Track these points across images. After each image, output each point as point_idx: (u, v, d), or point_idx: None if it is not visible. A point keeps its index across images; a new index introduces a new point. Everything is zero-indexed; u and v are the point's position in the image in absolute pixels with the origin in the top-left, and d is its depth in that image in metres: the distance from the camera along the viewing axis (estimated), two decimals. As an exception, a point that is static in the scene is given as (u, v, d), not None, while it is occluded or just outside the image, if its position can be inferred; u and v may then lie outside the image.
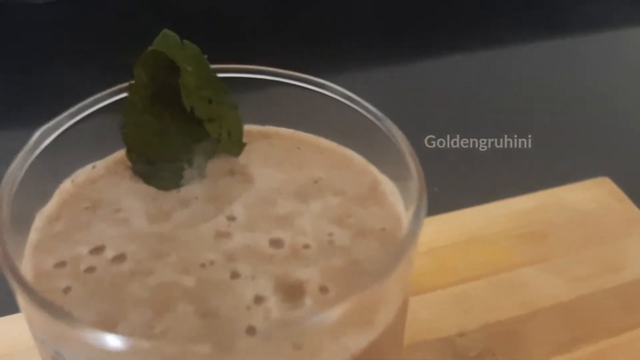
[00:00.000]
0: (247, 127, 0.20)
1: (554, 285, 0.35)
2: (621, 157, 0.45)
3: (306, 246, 0.16)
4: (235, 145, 0.19)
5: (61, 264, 0.16)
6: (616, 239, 0.37)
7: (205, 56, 0.18)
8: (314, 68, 0.20)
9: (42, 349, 0.15)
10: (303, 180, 0.18)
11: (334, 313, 0.13)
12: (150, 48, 0.18)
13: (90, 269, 0.16)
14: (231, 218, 0.17)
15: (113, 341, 0.13)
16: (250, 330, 0.14)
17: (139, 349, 0.13)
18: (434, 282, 0.35)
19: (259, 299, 0.15)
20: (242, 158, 0.19)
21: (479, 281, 0.35)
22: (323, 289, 0.15)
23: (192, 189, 0.18)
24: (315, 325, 0.13)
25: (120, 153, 0.19)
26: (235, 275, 0.16)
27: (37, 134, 0.17)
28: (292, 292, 0.15)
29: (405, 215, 0.17)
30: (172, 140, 0.18)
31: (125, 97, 0.18)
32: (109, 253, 0.16)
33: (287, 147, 0.20)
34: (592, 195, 0.40)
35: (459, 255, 0.36)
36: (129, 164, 0.19)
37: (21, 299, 0.14)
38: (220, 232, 0.17)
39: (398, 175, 0.18)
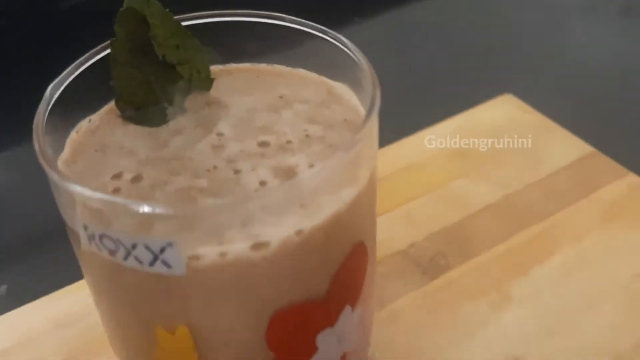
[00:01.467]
0: (212, 67, 0.23)
1: (484, 191, 0.40)
2: (521, 75, 0.51)
3: (289, 142, 0.20)
4: (205, 81, 0.22)
5: (90, 191, 0.19)
6: (530, 143, 0.42)
7: (167, 9, 0.21)
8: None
9: (84, 238, 0.17)
10: (270, 99, 0.22)
11: (326, 170, 0.17)
12: (122, 8, 0.21)
13: (116, 190, 0.19)
14: (220, 134, 0.21)
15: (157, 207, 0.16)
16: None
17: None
18: (382, 207, 0.39)
19: (263, 183, 0.19)
20: (213, 91, 0.22)
21: (421, 199, 0.39)
22: (312, 167, 0.19)
23: (179, 122, 0.21)
24: (313, 183, 0.17)
25: (111, 104, 0.22)
26: (237, 172, 0.19)
27: (48, 89, 0.20)
28: (288, 173, 0.19)
29: (360, 107, 0.21)
30: (152, 85, 0.21)
31: (109, 54, 0.21)
32: (128, 176, 0.19)
33: (249, 77, 0.23)
34: (502, 111, 0.45)
35: (400, 181, 0.40)
36: (119, 112, 0.22)
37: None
38: (215, 145, 0.20)
39: (349, 78, 0.22)
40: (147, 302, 0.18)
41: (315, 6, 0.43)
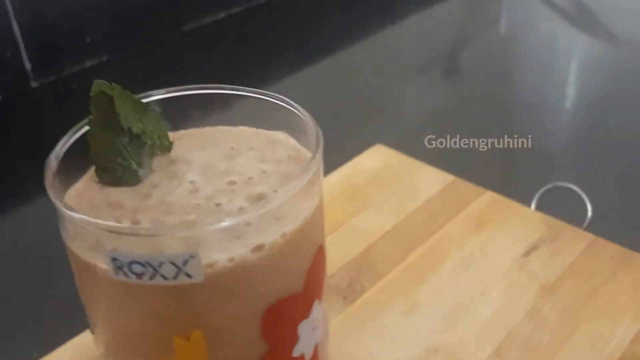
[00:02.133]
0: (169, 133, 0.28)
1: (377, 222, 0.47)
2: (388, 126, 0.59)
3: (250, 178, 0.25)
4: (166, 145, 0.27)
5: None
6: (404, 181, 0.50)
7: (127, 91, 0.27)
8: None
9: (111, 271, 0.22)
10: (223, 151, 0.27)
11: (290, 192, 0.23)
12: (94, 91, 0.25)
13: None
14: (192, 182, 0.26)
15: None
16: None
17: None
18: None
19: (242, 209, 0.24)
20: (173, 153, 0.27)
21: (329, 237, 0.45)
22: (275, 191, 0.24)
23: (152, 179, 0.26)
24: (286, 198, 0.23)
25: (91, 172, 0.26)
26: (218, 204, 0.24)
27: (50, 158, 0.24)
28: (259, 199, 0.24)
29: (298, 145, 0.27)
30: (122, 152, 0.26)
31: (88, 130, 0.26)
32: (126, 223, 0.24)
33: (199, 138, 0.28)
34: (377, 158, 0.53)
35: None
36: (97, 179, 0.26)
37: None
38: (191, 190, 0.25)
39: (285, 126, 0.28)
40: (167, 314, 0.22)
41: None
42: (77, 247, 0.23)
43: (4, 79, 0.63)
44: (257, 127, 0.29)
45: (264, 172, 0.26)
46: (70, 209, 0.22)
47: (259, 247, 0.22)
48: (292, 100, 0.27)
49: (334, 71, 0.70)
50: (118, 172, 0.26)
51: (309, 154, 0.26)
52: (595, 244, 0.44)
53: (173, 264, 0.21)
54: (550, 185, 0.49)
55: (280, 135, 0.28)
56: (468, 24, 0.83)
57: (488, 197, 0.48)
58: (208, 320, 0.23)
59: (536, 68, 0.72)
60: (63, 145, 0.25)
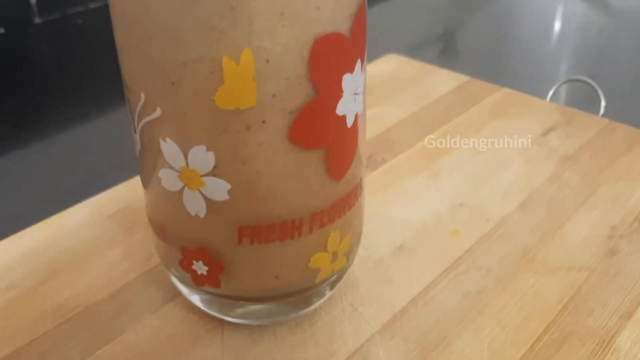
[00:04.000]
0: None
1: (394, 113, 0.47)
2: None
3: None
4: None
5: None
6: (420, 80, 0.51)
7: None
8: None
9: None
10: None
11: None
12: None
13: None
14: None
15: None
16: None
17: None
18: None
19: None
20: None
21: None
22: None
23: None
24: None
25: None
26: None
27: None
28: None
29: None
30: None
31: None
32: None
33: None
34: (391, 64, 0.53)
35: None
36: None
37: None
38: None
39: None
40: (215, 26, 0.22)
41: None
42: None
43: (8, 13, 0.63)
44: None
45: None
46: None
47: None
48: None
49: None
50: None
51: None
52: (609, 126, 0.44)
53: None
54: (564, 79, 0.50)
55: None
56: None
57: (503, 92, 0.48)
58: (258, 36, 0.22)
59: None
60: None
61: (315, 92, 0.24)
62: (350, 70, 0.25)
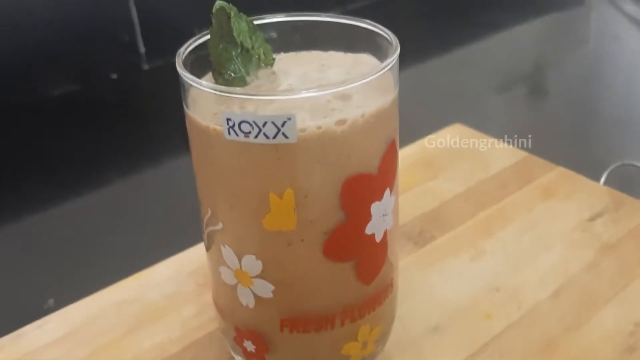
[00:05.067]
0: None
1: (450, 186, 0.51)
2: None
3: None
4: (269, 60, 0.33)
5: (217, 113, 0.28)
6: (478, 155, 0.54)
7: (241, 12, 0.32)
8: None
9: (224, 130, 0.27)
10: (316, 67, 0.32)
11: (375, 76, 0.28)
12: (216, 6, 0.31)
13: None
14: (290, 84, 0.31)
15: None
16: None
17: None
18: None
19: (329, 101, 0.29)
20: (275, 67, 0.33)
21: (404, 195, 0.50)
22: (359, 91, 0.29)
23: (256, 83, 0.32)
24: (367, 83, 0.28)
25: (208, 75, 0.32)
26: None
27: (179, 51, 0.30)
28: (345, 97, 0.29)
29: (379, 63, 0.32)
30: (235, 61, 0.32)
31: (208, 40, 0.31)
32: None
33: (295, 59, 0.34)
34: (454, 134, 0.57)
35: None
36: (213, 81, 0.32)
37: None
38: (288, 89, 0.30)
39: (369, 47, 0.33)
40: (266, 171, 0.27)
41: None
42: (196, 113, 0.28)
43: (120, 60, 0.72)
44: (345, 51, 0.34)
45: (348, 72, 0.31)
46: (194, 77, 0.28)
47: (341, 121, 0.27)
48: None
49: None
50: (230, 76, 0.32)
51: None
52: (659, 215, 0.46)
53: (274, 124, 0.26)
54: (618, 163, 0.52)
55: (364, 57, 0.33)
56: (556, 42, 0.87)
57: (558, 172, 0.51)
58: (298, 179, 0.27)
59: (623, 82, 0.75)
60: (189, 45, 0.31)
61: (346, 217, 0.29)
62: (379, 198, 0.30)
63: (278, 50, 0.34)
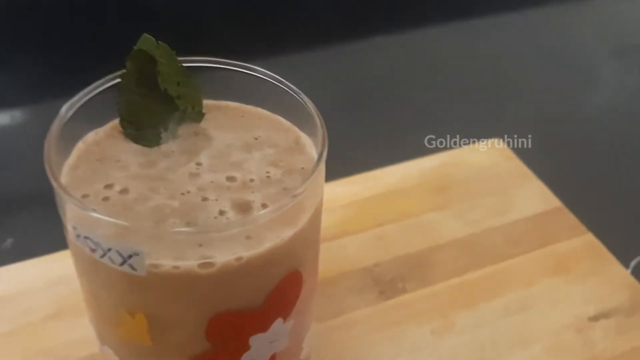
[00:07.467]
0: (205, 102, 0.27)
1: (453, 226, 0.44)
2: (512, 122, 0.55)
3: (252, 180, 0.25)
4: (197, 114, 0.27)
5: (85, 196, 0.24)
6: (505, 190, 0.46)
7: (174, 52, 0.26)
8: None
9: (72, 235, 0.22)
10: (247, 138, 0.26)
11: (274, 212, 0.22)
12: (135, 48, 0.25)
13: (106, 199, 0.24)
14: (199, 164, 0.25)
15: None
16: (218, 230, 0.23)
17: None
18: (357, 226, 0.43)
19: (222, 212, 0.23)
20: (203, 124, 0.27)
21: (393, 224, 0.44)
22: (264, 205, 0.24)
23: (169, 146, 0.26)
24: (260, 222, 0.22)
25: (115, 122, 0.27)
26: (205, 199, 0.24)
27: (63, 108, 0.25)
28: (243, 207, 0.23)
29: (313, 154, 0.26)
30: (152, 112, 0.26)
31: (119, 82, 0.26)
32: (117, 188, 0.24)
33: (234, 116, 0.28)
34: (486, 154, 0.49)
35: (377, 205, 0.45)
36: (121, 129, 0.26)
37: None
38: (193, 173, 0.25)
39: (312, 132, 0.26)
40: (116, 290, 0.23)
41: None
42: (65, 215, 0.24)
43: None
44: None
45: (268, 177, 0.25)
46: (55, 179, 0.23)
47: (208, 264, 0.22)
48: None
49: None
50: (142, 129, 0.26)
51: (322, 174, 0.25)
52: (678, 337, 0.38)
53: (119, 253, 0.21)
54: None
55: (307, 141, 0.26)
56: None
57: (585, 240, 0.43)
58: (150, 308, 0.23)
59: None
60: (82, 96, 0.26)
61: (213, 347, 0.24)
62: (263, 330, 0.25)
63: (219, 96, 0.28)
